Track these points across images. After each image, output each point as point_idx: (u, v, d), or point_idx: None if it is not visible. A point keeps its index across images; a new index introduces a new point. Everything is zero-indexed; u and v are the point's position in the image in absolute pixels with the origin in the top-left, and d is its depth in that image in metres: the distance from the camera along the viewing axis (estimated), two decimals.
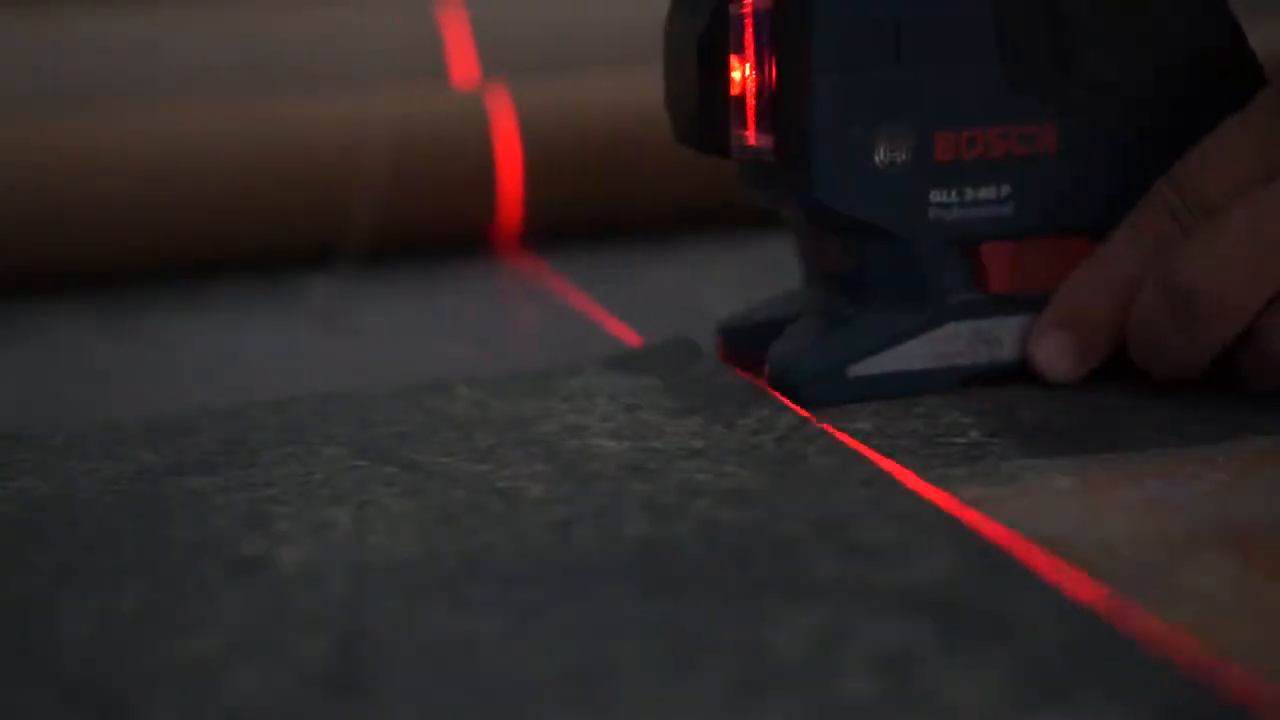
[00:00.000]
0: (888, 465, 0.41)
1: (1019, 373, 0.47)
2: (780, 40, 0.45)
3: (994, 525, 0.37)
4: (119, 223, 0.65)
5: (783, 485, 0.39)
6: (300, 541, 0.37)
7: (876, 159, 0.45)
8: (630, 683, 0.30)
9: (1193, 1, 0.46)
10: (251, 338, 0.58)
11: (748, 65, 0.46)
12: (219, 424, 0.45)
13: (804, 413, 0.44)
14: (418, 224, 0.68)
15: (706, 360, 0.48)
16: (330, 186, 0.67)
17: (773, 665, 0.31)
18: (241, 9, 0.79)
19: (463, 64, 0.78)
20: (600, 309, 0.59)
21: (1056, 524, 0.37)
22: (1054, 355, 0.46)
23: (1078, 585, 0.33)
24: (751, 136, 0.46)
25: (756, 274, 0.61)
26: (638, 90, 0.69)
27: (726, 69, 0.46)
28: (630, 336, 0.55)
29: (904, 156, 0.45)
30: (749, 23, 0.45)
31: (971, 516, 0.37)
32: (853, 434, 0.43)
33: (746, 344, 0.49)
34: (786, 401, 0.45)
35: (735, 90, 0.46)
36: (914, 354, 0.46)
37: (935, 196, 0.45)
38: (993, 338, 0.46)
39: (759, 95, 0.45)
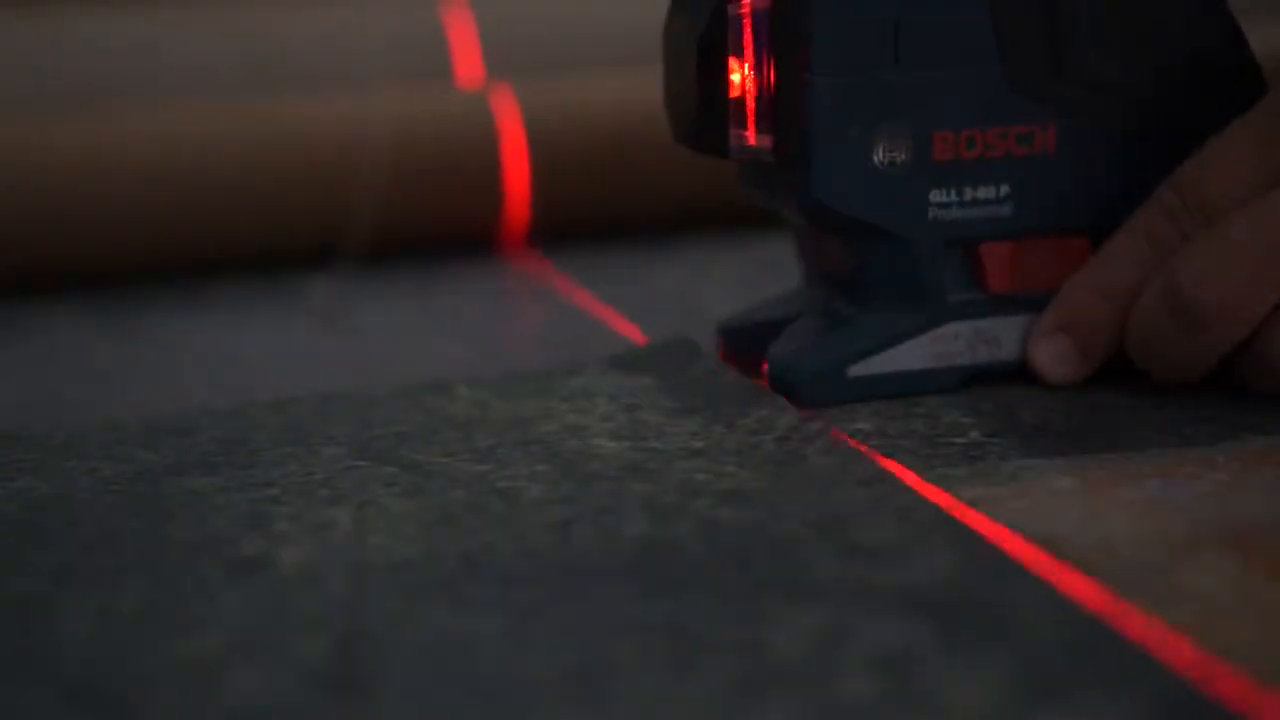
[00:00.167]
0: (888, 465, 0.41)
1: (1019, 373, 0.47)
2: (779, 41, 0.45)
3: (994, 525, 0.37)
4: (119, 223, 0.65)
5: (782, 485, 0.39)
6: (300, 541, 0.37)
7: (875, 159, 0.45)
8: (630, 683, 0.30)
9: (1193, 1, 0.46)
10: (251, 338, 0.58)
11: (747, 66, 0.46)
12: (219, 424, 0.45)
13: (804, 413, 0.44)
14: (422, 224, 0.68)
15: (706, 360, 0.48)
16: (330, 186, 0.66)
17: (773, 665, 0.31)
18: (241, 9, 0.79)
19: (468, 63, 0.78)
20: (601, 309, 0.59)
21: (1056, 524, 0.37)
22: (1054, 358, 0.46)
23: (1078, 585, 0.33)
24: (751, 137, 0.46)
25: (756, 274, 0.61)
26: (641, 90, 0.69)
27: (726, 70, 0.46)
28: (631, 337, 0.55)
29: (903, 156, 0.45)
30: (748, 23, 0.45)
31: (971, 516, 0.37)
32: (853, 434, 0.43)
33: (746, 344, 0.49)
34: (786, 402, 0.45)
35: (734, 91, 0.46)
36: (914, 354, 0.46)
37: (934, 196, 0.45)
38: (992, 338, 0.46)
39: (758, 96, 0.45)
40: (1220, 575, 0.34)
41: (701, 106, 0.47)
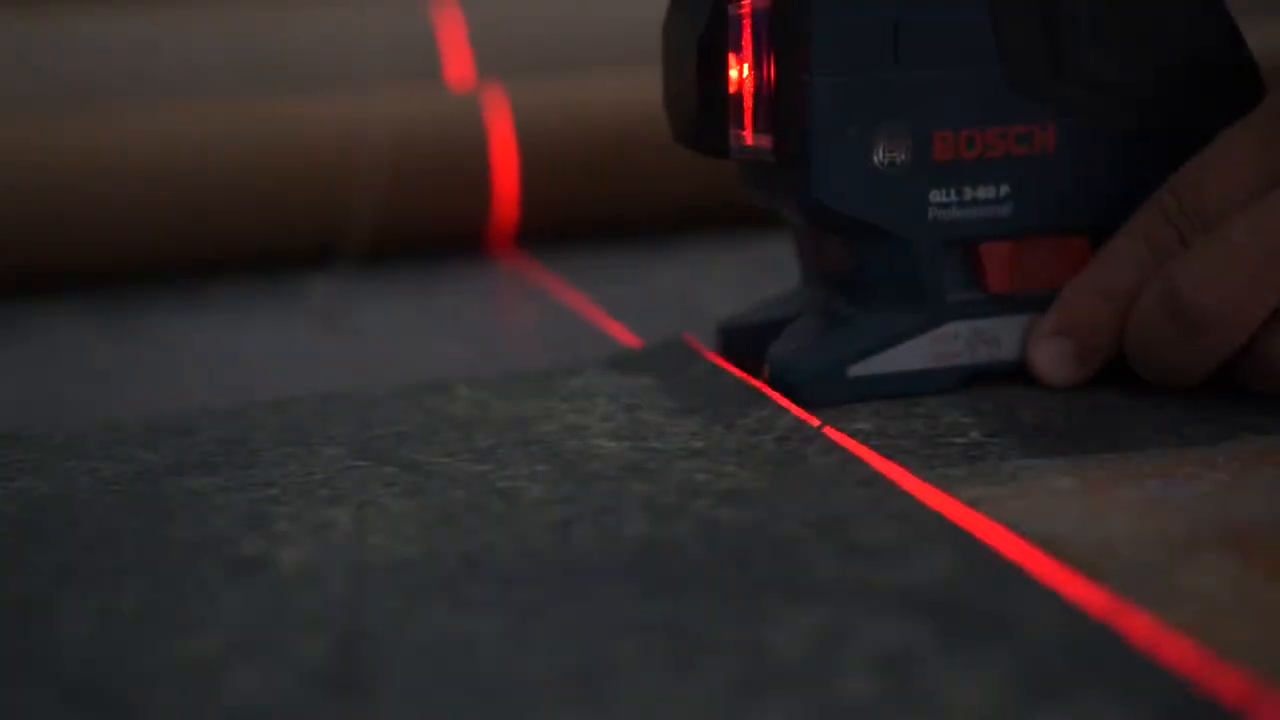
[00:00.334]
0: (887, 465, 0.41)
1: (1019, 372, 0.47)
2: (779, 40, 0.45)
3: (994, 525, 0.37)
4: (119, 223, 0.65)
5: (782, 485, 0.39)
6: (300, 541, 0.37)
7: (875, 159, 0.45)
8: (630, 683, 0.30)
9: (1192, 1, 0.46)
10: (251, 338, 0.58)
11: (746, 65, 0.46)
12: (219, 424, 0.45)
13: (804, 413, 0.44)
14: (416, 224, 0.68)
15: (706, 360, 0.48)
16: (330, 186, 0.66)
17: (773, 665, 0.31)
18: (241, 9, 0.79)
19: (458, 64, 0.78)
20: (600, 310, 0.59)
21: (1056, 524, 0.37)
22: (1054, 361, 0.46)
23: (1078, 585, 0.33)
24: (750, 137, 0.46)
25: (756, 274, 0.61)
26: (634, 90, 0.69)
27: (725, 69, 0.46)
28: (629, 337, 0.55)
29: (903, 156, 0.45)
30: (747, 23, 0.45)
31: (971, 516, 0.37)
32: (853, 434, 0.43)
33: (746, 344, 0.49)
34: (786, 402, 0.45)
35: (734, 90, 0.46)
36: (914, 354, 0.46)
37: (934, 196, 0.45)
38: (992, 338, 0.46)
39: (757, 95, 0.45)
40: (1220, 575, 0.34)
41: (701, 106, 0.47)
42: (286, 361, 0.55)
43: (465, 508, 0.39)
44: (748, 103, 0.46)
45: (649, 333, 0.54)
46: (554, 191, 0.69)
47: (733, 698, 0.30)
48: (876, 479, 0.39)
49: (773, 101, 0.45)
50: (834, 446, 0.41)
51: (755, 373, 0.47)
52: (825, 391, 0.46)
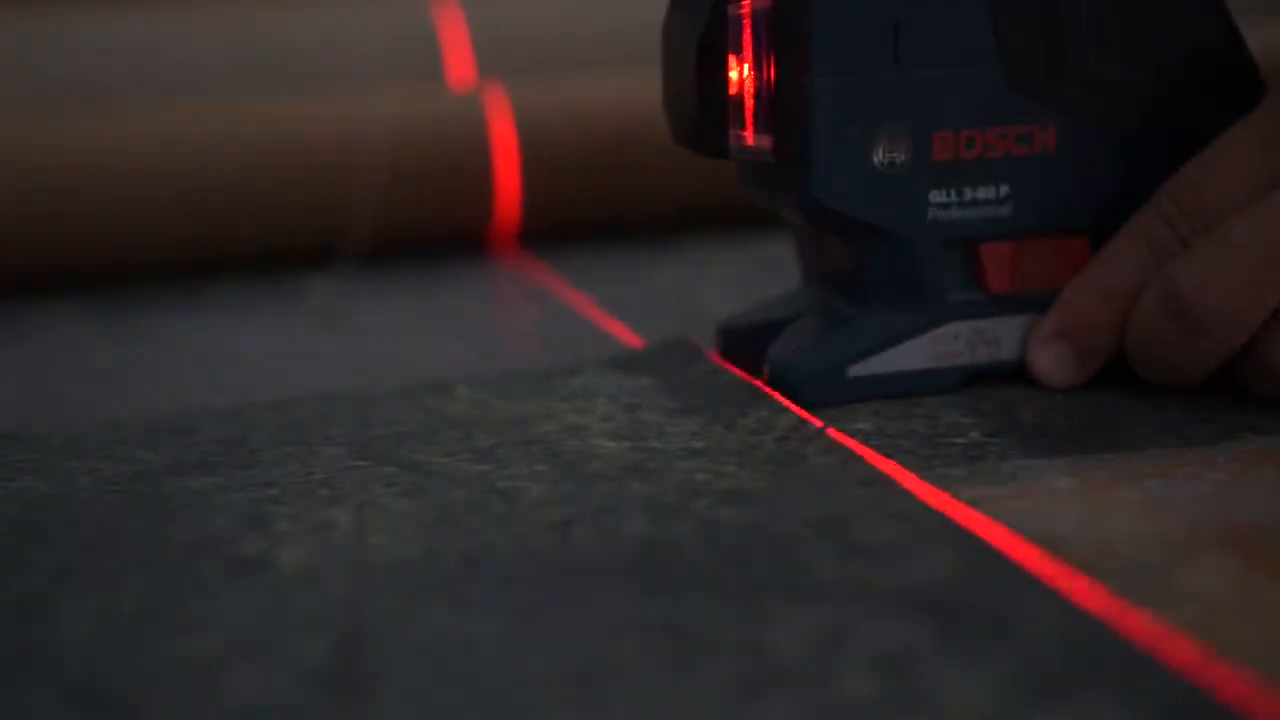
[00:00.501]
0: (887, 465, 0.41)
1: (1019, 372, 0.47)
2: (779, 41, 0.45)
3: (994, 525, 0.37)
4: (119, 223, 0.65)
5: (782, 485, 0.39)
6: (300, 541, 0.37)
7: (875, 159, 0.45)
8: (630, 683, 0.30)
9: (1192, 2, 0.46)
10: (251, 338, 0.58)
11: (746, 66, 0.46)
12: (219, 424, 0.45)
13: (804, 413, 0.44)
14: (417, 224, 0.68)
15: (706, 360, 0.48)
16: (330, 186, 0.67)
17: (773, 665, 0.31)
18: (241, 9, 0.79)
19: (459, 64, 0.78)
20: (600, 310, 0.59)
21: (1056, 524, 0.37)
22: (1054, 363, 0.46)
23: (1078, 585, 0.33)
24: (750, 137, 0.46)
25: (756, 274, 0.61)
26: (635, 90, 0.69)
27: (725, 69, 0.46)
28: (630, 337, 0.55)
29: (903, 157, 0.45)
30: (747, 23, 0.45)
31: (971, 516, 0.37)
32: (853, 434, 0.43)
33: (746, 344, 0.49)
34: (786, 402, 0.45)
35: (734, 91, 0.46)
36: (914, 354, 0.46)
37: (934, 197, 0.45)
38: (992, 338, 0.46)
39: (757, 96, 0.45)
40: (1220, 575, 0.34)
41: (701, 106, 0.47)
42: (286, 361, 0.55)
43: (465, 508, 0.39)
44: (748, 103, 0.46)
45: (649, 333, 0.54)
46: (554, 191, 0.69)
47: (733, 698, 0.30)
48: (876, 479, 0.39)
49: (773, 102, 0.45)
50: (834, 446, 0.41)
51: (755, 373, 0.47)
52: (825, 391, 0.46)
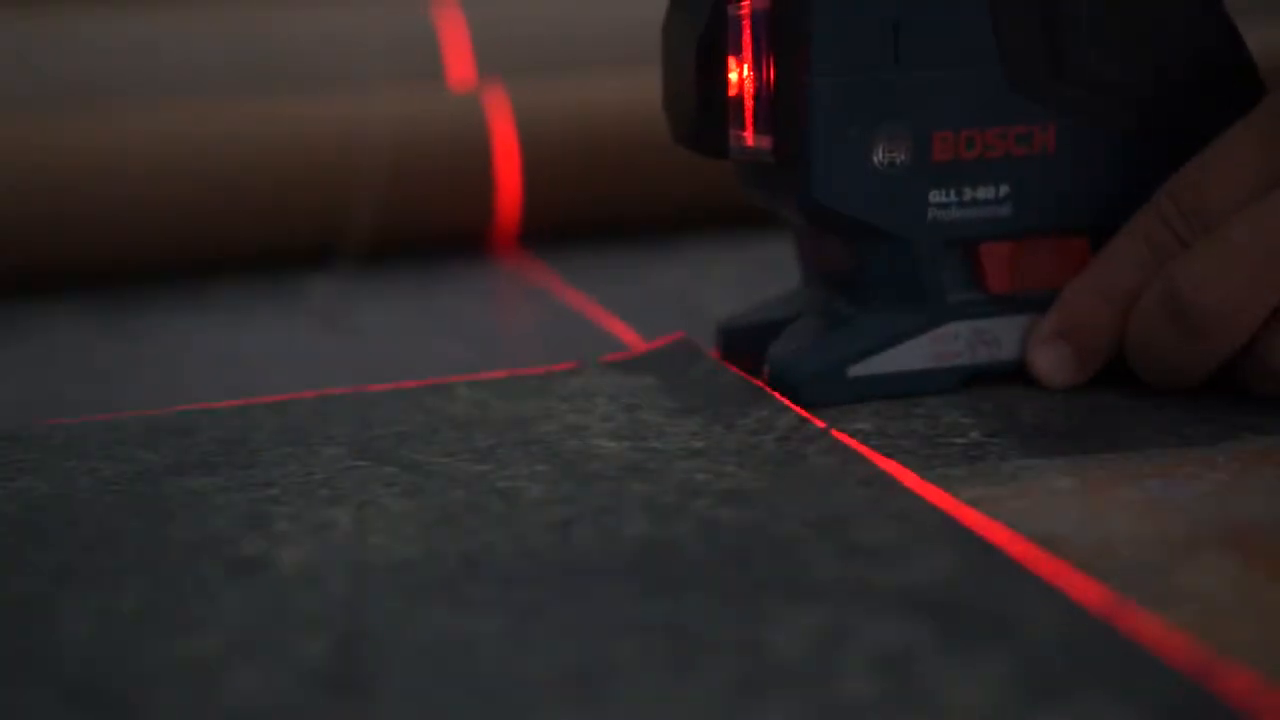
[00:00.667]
0: (888, 465, 0.41)
1: (1019, 372, 0.47)
2: (779, 41, 0.45)
3: (994, 525, 0.37)
4: (119, 223, 0.65)
5: (782, 485, 0.39)
6: (300, 541, 0.37)
7: (875, 159, 0.45)
8: (630, 683, 0.30)
9: (1192, 2, 0.46)
10: (251, 338, 0.58)
11: (746, 66, 0.46)
12: (219, 424, 0.45)
13: (804, 413, 0.44)
14: (417, 224, 0.68)
15: (706, 360, 0.48)
16: (330, 186, 0.67)
17: (773, 665, 0.31)
18: (241, 9, 0.79)
19: (459, 64, 0.78)
20: (601, 310, 0.59)
21: (1056, 524, 0.37)
22: (1054, 364, 0.46)
23: (1078, 585, 0.33)
24: (750, 137, 0.46)
25: (756, 274, 0.61)
26: (635, 90, 0.69)
27: (725, 70, 0.46)
28: (630, 337, 0.55)
29: (902, 157, 0.45)
30: (747, 24, 0.45)
31: (971, 516, 0.37)
32: (853, 434, 0.43)
33: (746, 344, 0.49)
34: (786, 402, 0.45)
35: (733, 91, 0.46)
36: (914, 354, 0.46)
37: (934, 197, 0.45)
38: (992, 338, 0.46)
39: (757, 96, 0.46)
40: (1220, 575, 0.34)
41: (701, 107, 0.47)
42: (286, 361, 0.55)
43: (465, 508, 0.39)
44: (748, 103, 0.46)
45: (649, 333, 0.54)
46: (555, 191, 0.69)
47: (733, 698, 0.30)
48: (877, 479, 0.39)
49: (773, 102, 0.45)
50: (834, 446, 0.41)
51: (755, 373, 0.47)
52: (825, 391, 0.46)
